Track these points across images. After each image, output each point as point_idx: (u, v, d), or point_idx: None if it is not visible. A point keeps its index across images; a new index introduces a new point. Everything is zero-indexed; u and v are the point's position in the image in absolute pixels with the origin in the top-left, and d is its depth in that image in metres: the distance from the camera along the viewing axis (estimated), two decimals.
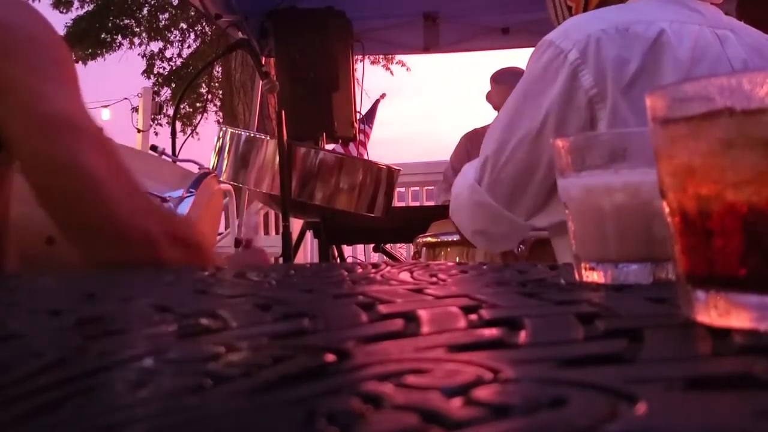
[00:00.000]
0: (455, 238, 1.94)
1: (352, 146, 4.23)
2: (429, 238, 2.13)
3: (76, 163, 0.77)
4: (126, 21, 11.73)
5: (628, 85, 1.03)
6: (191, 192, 1.22)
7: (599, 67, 1.04)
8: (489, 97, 3.34)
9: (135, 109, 9.57)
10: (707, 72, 1.05)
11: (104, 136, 0.82)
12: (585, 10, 1.24)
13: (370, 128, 5.14)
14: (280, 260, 2.71)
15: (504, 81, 3.24)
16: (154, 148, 1.40)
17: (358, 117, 3.49)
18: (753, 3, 2.13)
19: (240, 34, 3.35)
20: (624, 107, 1.03)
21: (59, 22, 10.91)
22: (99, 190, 0.77)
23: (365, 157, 4.09)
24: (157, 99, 10.15)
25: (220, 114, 11.12)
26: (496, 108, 3.30)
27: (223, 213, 3.89)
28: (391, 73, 11.56)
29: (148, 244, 0.78)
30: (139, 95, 8.17)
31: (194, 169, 1.39)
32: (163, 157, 1.38)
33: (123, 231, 0.77)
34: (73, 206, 0.77)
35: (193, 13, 11.19)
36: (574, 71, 1.05)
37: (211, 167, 2.11)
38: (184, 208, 1.18)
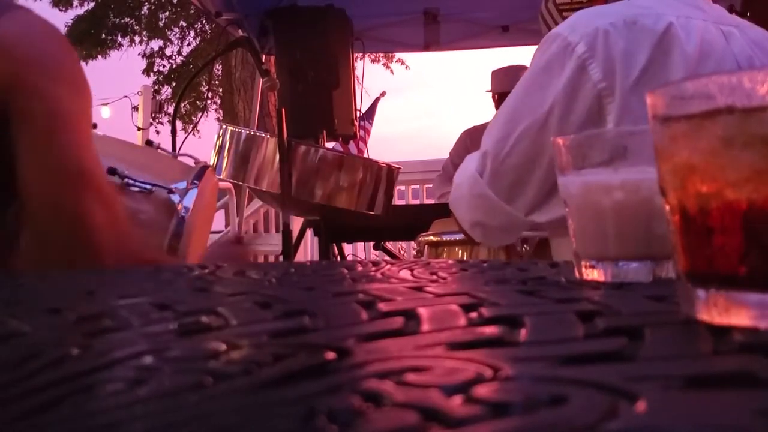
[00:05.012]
0: (458, 237, 1.93)
1: (352, 144, 4.23)
2: (431, 237, 2.13)
3: (78, 212, 0.81)
4: (126, 20, 11.73)
5: (637, 78, 1.02)
6: (195, 184, 1.28)
7: (608, 61, 1.03)
8: (491, 89, 3.35)
9: (135, 108, 9.58)
10: (714, 68, 1.05)
11: (108, 185, 0.87)
12: None
13: (370, 124, 5.14)
14: (281, 258, 2.71)
15: (506, 73, 3.24)
16: (149, 143, 1.45)
17: (358, 115, 3.49)
18: None
19: (240, 32, 3.35)
20: (634, 101, 1.02)
21: (59, 21, 10.92)
22: (93, 240, 0.82)
23: (365, 154, 4.09)
24: (157, 97, 10.16)
25: (220, 112, 11.13)
26: (497, 100, 3.31)
27: (224, 211, 3.90)
28: (391, 71, 11.56)
29: None
30: (140, 93, 8.17)
31: (191, 163, 1.44)
32: (159, 151, 1.42)
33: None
34: (65, 252, 0.82)
35: (192, 11, 11.19)
36: (582, 64, 1.04)
37: (211, 165, 2.14)
38: (189, 200, 1.25)
